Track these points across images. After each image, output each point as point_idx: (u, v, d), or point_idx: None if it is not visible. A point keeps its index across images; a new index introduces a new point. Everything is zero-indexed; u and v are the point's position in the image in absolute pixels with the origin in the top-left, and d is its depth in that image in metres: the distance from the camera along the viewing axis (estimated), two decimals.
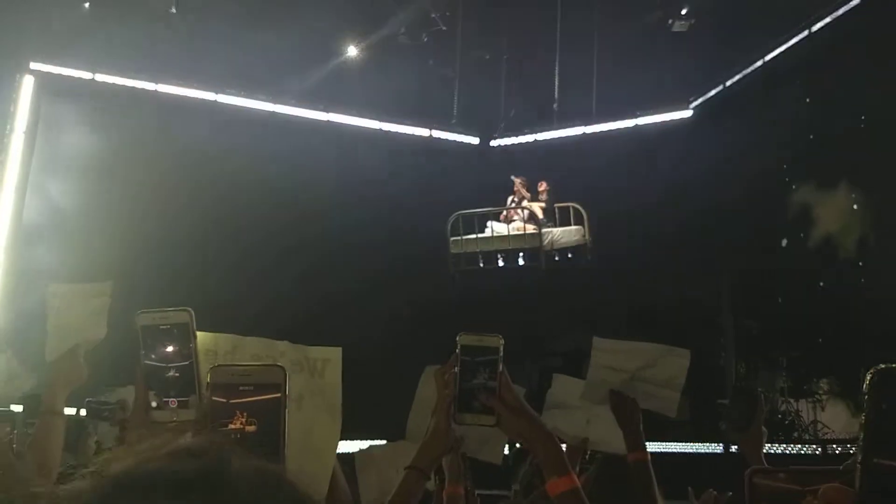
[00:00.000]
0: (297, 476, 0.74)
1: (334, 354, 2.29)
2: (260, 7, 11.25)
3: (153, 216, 11.01)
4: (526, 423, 1.64)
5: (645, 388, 2.95)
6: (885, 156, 10.29)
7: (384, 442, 4.17)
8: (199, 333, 1.59)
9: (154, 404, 1.50)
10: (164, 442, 0.74)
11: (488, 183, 12.67)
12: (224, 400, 1.15)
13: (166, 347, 1.53)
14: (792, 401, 11.14)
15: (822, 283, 11.30)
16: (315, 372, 2.28)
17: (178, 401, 1.48)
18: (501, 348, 1.63)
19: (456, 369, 1.63)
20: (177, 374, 1.49)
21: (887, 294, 10.05)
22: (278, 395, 1.16)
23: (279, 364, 1.22)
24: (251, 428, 1.12)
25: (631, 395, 2.82)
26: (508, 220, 12.14)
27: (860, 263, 10.84)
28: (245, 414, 1.13)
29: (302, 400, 2.29)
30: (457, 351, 1.63)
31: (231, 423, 1.12)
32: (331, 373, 2.28)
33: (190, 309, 1.57)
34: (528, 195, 12.15)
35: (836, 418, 11.00)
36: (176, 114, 11.71)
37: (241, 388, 1.17)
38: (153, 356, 1.53)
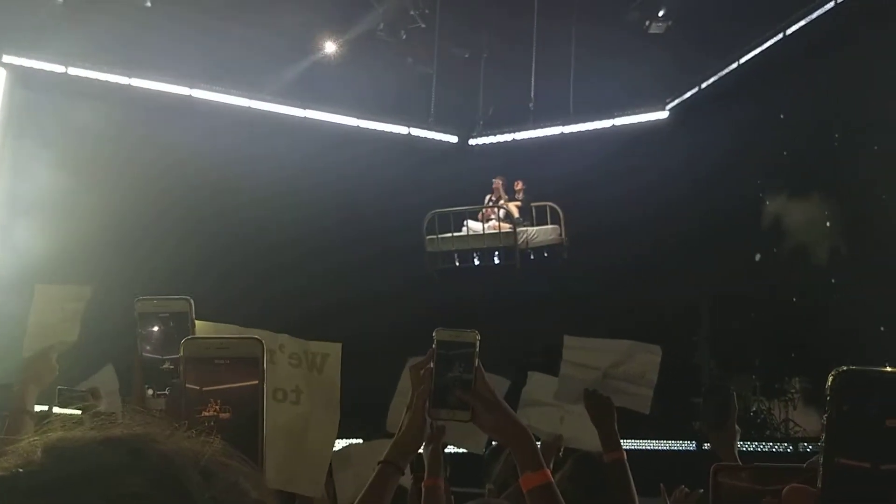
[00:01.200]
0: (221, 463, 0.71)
1: (334, 349, 2.29)
2: (237, 2, 11.17)
3: (127, 211, 10.90)
4: (501, 418, 1.63)
5: (618, 385, 2.96)
6: (859, 160, 10.45)
7: (361, 441, 4.16)
8: (198, 322, 1.58)
9: (150, 393, 1.49)
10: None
11: (467, 181, 12.69)
12: (198, 387, 1.11)
13: (164, 336, 1.52)
14: (764, 399, 11.27)
15: (794, 298, 11.40)
16: (314, 367, 2.28)
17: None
18: (477, 343, 1.62)
19: (432, 364, 1.63)
20: (173, 367, 1.48)
21: (857, 298, 10.23)
22: (255, 381, 1.12)
23: (256, 336, 1.19)
24: (226, 415, 1.10)
25: (604, 394, 2.82)
26: (485, 220, 12.18)
27: (832, 279, 10.97)
28: (219, 402, 1.10)
29: (300, 394, 2.28)
30: (433, 346, 1.63)
31: (205, 410, 1.10)
32: (330, 368, 2.28)
33: (190, 298, 1.56)
34: (506, 196, 12.19)
35: (808, 417, 11.14)
36: (150, 108, 11.60)
37: (216, 361, 1.13)
38: (148, 347, 1.52)
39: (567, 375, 3.03)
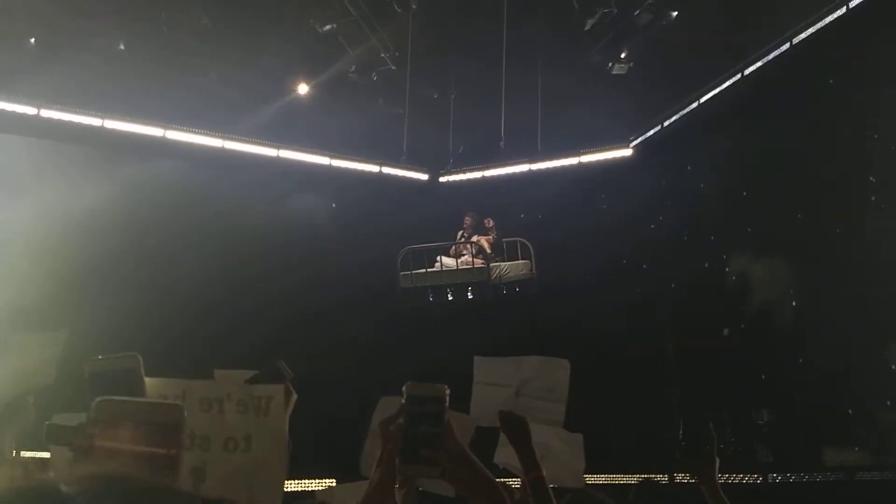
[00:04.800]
0: None
1: (277, 391, 2.35)
2: (211, 44, 11.28)
3: (101, 253, 10.85)
4: (470, 473, 1.63)
5: (529, 402, 3.00)
6: (822, 205, 10.74)
7: (332, 481, 4.21)
8: (147, 380, 1.65)
9: None
10: None
11: (438, 218, 12.85)
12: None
13: (114, 393, 1.57)
14: (732, 431, 11.44)
15: (761, 351, 11.49)
16: (260, 411, 2.33)
17: None
18: (447, 398, 1.62)
19: (401, 420, 1.61)
20: None
21: (820, 332, 10.52)
22: (175, 450, 1.12)
23: (177, 403, 1.21)
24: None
25: (519, 413, 2.81)
26: (458, 255, 12.32)
27: (799, 326, 11.15)
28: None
29: (250, 441, 2.34)
30: (403, 401, 1.61)
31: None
32: (275, 410, 2.33)
33: (137, 354, 1.62)
34: (478, 232, 12.38)
35: (775, 448, 11.34)
36: (123, 150, 11.62)
37: (136, 425, 1.13)
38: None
39: (480, 396, 3.06)
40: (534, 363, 3.06)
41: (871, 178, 10.40)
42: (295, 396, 2.55)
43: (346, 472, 4.32)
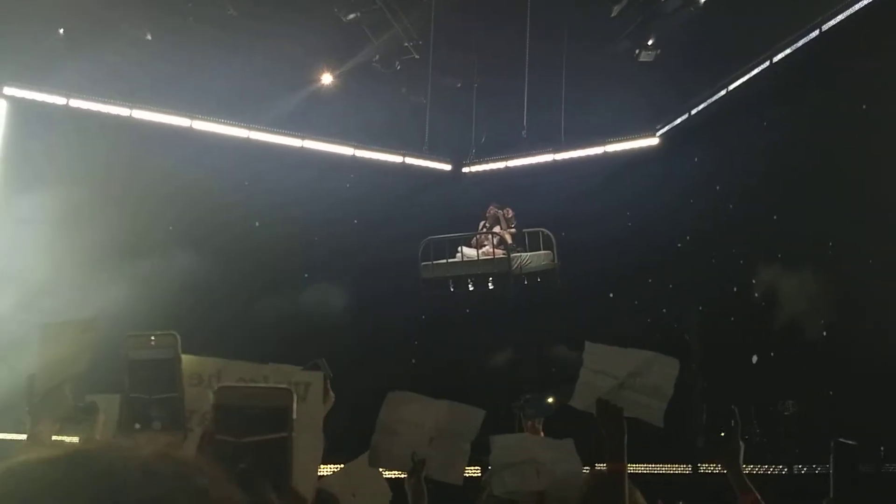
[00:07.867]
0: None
1: (316, 379, 2.39)
2: (236, 35, 11.35)
3: (128, 241, 11.00)
4: None
5: (632, 396, 2.97)
6: (844, 189, 10.54)
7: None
8: (183, 357, 1.68)
9: (137, 426, 1.57)
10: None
11: (460, 208, 12.82)
12: (233, 440, 1.15)
13: (152, 372, 1.59)
14: (756, 422, 11.35)
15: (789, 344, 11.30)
16: (297, 396, 2.37)
17: (162, 424, 1.55)
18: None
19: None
20: (162, 399, 1.56)
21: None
22: (284, 434, 1.17)
23: (286, 387, 1.26)
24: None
25: (619, 404, 2.79)
26: (479, 246, 12.28)
27: (821, 324, 10.98)
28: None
29: None
30: None
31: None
32: (313, 396, 2.37)
33: (175, 333, 1.65)
34: (503, 222, 12.35)
35: (801, 439, 11.23)
36: (151, 139, 11.74)
37: (247, 409, 1.18)
38: (138, 383, 1.60)
39: (586, 381, 3.03)
40: (644, 357, 3.01)
41: None
42: (333, 397, 2.58)
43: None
